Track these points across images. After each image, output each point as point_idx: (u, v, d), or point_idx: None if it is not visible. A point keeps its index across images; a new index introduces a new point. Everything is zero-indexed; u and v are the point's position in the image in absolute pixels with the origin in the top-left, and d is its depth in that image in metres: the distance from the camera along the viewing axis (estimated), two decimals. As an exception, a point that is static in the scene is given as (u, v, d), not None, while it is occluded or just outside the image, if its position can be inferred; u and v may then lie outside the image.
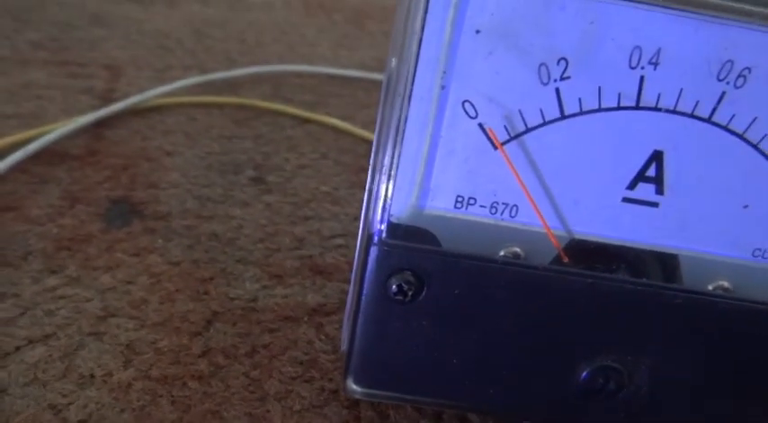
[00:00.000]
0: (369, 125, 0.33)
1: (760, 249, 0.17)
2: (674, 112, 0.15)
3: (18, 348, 0.19)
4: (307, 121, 0.34)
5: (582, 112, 0.15)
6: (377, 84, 0.39)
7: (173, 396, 0.18)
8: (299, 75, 0.39)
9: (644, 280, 0.16)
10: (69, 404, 0.17)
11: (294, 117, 0.34)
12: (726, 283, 0.17)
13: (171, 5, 0.48)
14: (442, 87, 0.15)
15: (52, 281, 0.21)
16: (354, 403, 0.18)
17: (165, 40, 0.41)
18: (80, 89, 0.33)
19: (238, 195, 0.27)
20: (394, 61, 0.16)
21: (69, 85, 0.34)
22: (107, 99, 0.33)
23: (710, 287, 0.17)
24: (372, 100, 0.37)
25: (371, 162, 0.17)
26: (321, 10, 0.53)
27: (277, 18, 0.50)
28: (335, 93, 0.38)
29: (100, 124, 0.30)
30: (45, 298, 0.20)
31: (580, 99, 0.15)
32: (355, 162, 0.31)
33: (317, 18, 0.51)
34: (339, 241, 0.25)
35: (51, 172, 0.26)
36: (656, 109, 0.15)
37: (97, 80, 0.34)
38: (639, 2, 0.14)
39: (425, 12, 0.14)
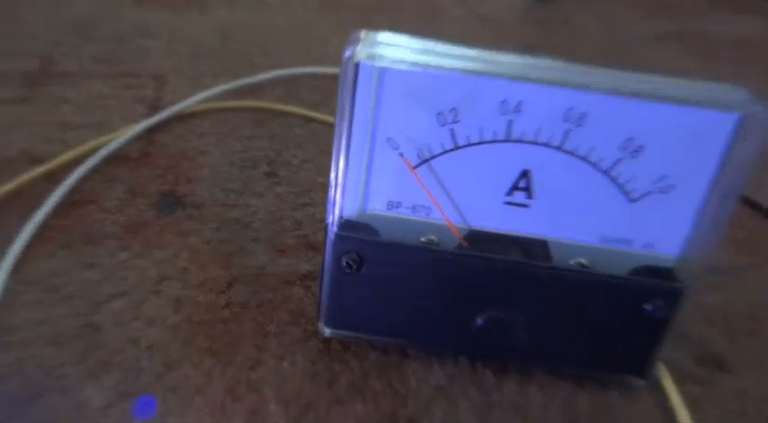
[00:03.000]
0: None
1: (605, 236, 0.24)
2: (534, 143, 0.22)
3: (106, 300, 0.28)
4: (312, 120, 0.41)
5: (470, 144, 0.22)
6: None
7: (206, 333, 0.27)
8: (313, 76, 0.46)
9: (522, 258, 0.24)
10: (141, 337, 0.26)
11: (301, 117, 0.41)
12: (583, 261, 0.24)
13: (202, 11, 0.56)
14: (372, 131, 0.22)
15: (123, 255, 0.30)
16: (327, 340, 0.26)
17: (198, 47, 0.49)
18: (134, 99, 0.42)
19: (255, 187, 0.35)
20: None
21: (125, 95, 0.42)
22: (155, 107, 0.41)
23: (572, 263, 0.24)
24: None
25: (329, 177, 0.24)
26: (334, 9, 0.59)
27: (295, 18, 0.56)
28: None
29: (151, 130, 0.39)
30: (120, 267, 0.29)
31: (468, 135, 0.22)
32: (349, 156, 0.38)
33: (330, 17, 0.57)
34: (329, 223, 0.33)
35: (117, 172, 0.35)
36: (522, 141, 0.22)
37: (147, 90, 0.43)
38: (502, 75, 0.21)
39: (354, 86, 0.21)
